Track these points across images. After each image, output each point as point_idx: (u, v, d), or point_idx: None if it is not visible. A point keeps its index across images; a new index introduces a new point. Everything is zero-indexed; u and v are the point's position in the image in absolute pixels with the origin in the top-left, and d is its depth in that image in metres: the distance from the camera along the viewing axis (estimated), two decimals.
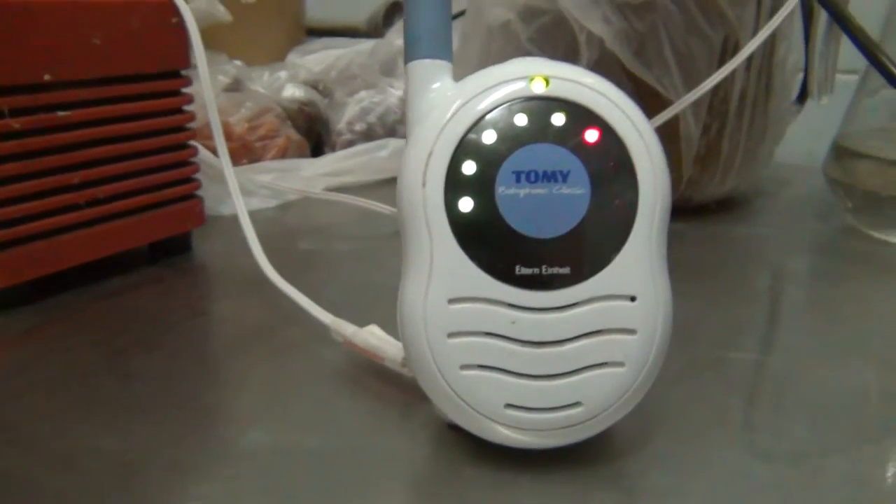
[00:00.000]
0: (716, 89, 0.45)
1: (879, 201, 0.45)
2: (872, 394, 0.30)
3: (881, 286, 0.41)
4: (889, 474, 0.25)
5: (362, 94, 0.62)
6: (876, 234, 0.46)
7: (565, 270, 0.22)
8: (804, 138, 0.53)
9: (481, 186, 0.22)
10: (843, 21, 0.38)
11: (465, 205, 0.22)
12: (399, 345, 0.26)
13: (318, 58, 0.70)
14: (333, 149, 0.61)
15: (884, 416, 0.28)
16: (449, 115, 0.23)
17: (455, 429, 0.25)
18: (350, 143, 0.60)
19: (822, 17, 0.44)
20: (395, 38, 0.67)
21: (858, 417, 0.28)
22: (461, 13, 0.56)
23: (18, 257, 0.34)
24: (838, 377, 0.31)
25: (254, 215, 0.37)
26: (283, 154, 0.57)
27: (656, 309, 0.23)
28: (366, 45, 0.69)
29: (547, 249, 0.22)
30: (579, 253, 0.22)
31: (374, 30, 0.81)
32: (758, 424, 0.28)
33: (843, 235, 0.48)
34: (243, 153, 0.55)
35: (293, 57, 0.73)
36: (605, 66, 0.45)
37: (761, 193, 0.56)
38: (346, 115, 0.61)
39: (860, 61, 0.40)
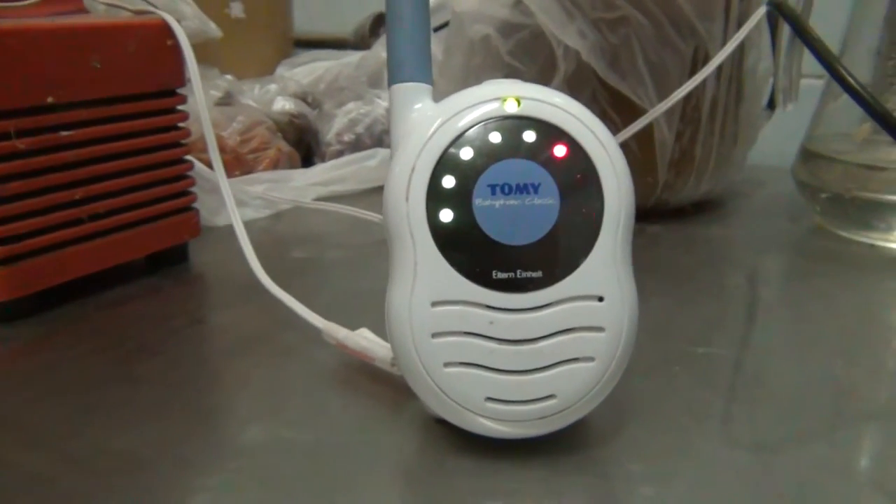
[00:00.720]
0: (688, 97, 0.47)
1: (844, 202, 0.47)
2: (838, 385, 0.32)
3: (847, 283, 0.43)
4: (860, 460, 0.27)
5: (350, 105, 0.64)
6: (843, 234, 0.48)
7: (538, 274, 0.24)
8: (777, 140, 0.56)
9: (460, 199, 0.24)
10: (802, 33, 0.40)
11: (446, 216, 0.24)
12: (388, 346, 0.28)
13: (307, 70, 0.72)
14: (323, 159, 0.62)
15: (848, 406, 0.30)
16: (429, 134, 0.25)
17: (441, 423, 0.27)
18: (339, 154, 0.62)
19: (786, 28, 0.46)
20: (381, 49, 0.69)
21: (824, 407, 0.30)
22: (444, 25, 0.58)
23: (26, 270, 0.36)
24: (805, 370, 0.33)
25: (247, 225, 0.39)
26: (275, 165, 0.59)
27: (622, 308, 0.25)
28: (353, 57, 0.71)
29: (521, 255, 0.24)
30: (551, 258, 0.24)
31: (361, 41, 0.83)
32: (727, 414, 0.30)
33: (812, 235, 0.50)
34: (236, 165, 0.57)
35: (282, 70, 0.75)
36: (581, 77, 0.47)
37: (735, 195, 0.58)
38: (335, 126, 0.63)
39: None
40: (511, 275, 0.24)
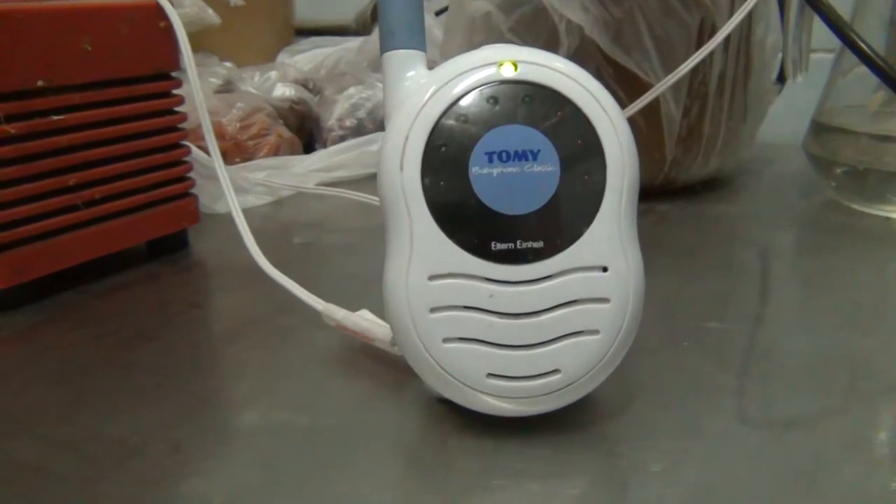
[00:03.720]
0: (695, 71, 0.46)
1: (858, 175, 0.46)
2: (853, 359, 0.30)
3: (861, 256, 0.42)
4: (878, 435, 0.26)
5: (351, 90, 0.63)
6: (856, 207, 0.47)
7: (539, 244, 0.23)
8: (788, 117, 0.54)
9: (456, 168, 0.23)
10: (813, 1, 0.39)
11: (442, 186, 0.23)
12: (388, 326, 0.27)
13: (308, 57, 0.71)
14: (325, 145, 0.62)
15: (864, 380, 0.29)
16: (423, 101, 0.24)
17: (443, 402, 0.26)
18: (341, 139, 0.61)
19: None
20: None
21: (838, 382, 0.29)
22: (445, 9, 0.57)
23: (20, 258, 0.35)
24: (819, 344, 0.32)
25: (249, 212, 0.38)
26: (276, 152, 0.58)
27: (628, 278, 0.24)
28: (354, 42, 0.70)
29: (520, 225, 0.23)
30: (552, 227, 0.23)
31: (363, 27, 0.82)
32: (738, 390, 0.29)
33: (825, 209, 0.49)
34: (236, 152, 0.56)
35: (283, 57, 0.74)
36: (585, 53, 0.46)
37: (745, 172, 0.57)
38: (336, 111, 0.62)
39: (836, 39, 0.41)
40: (511, 245, 0.23)
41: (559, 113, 0.23)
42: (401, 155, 0.23)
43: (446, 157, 0.23)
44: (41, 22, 0.35)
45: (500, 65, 0.24)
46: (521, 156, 0.23)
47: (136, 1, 0.40)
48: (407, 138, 0.23)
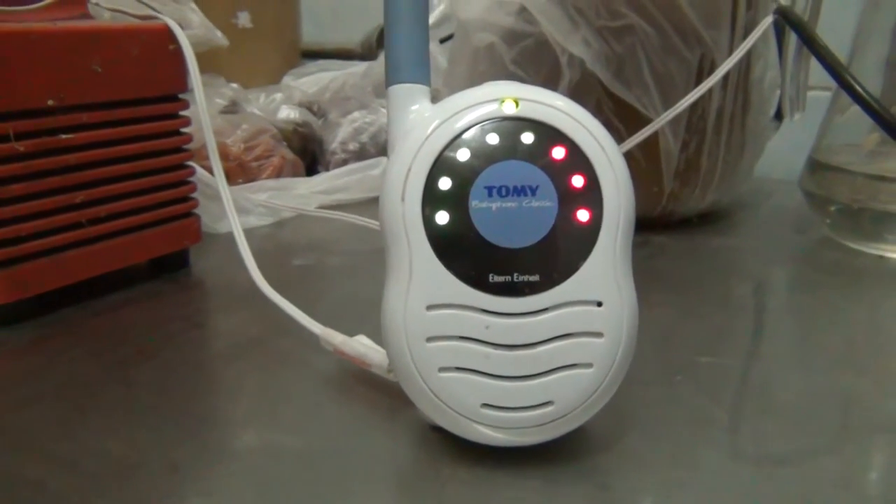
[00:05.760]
0: (693, 107, 0.47)
1: (853, 213, 0.47)
2: (845, 396, 0.31)
3: (855, 294, 0.42)
4: (868, 473, 0.26)
5: (355, 114, 0.64)
6: (852, 245, 0.48)
7: (535, 278, 0.24)
8: (785, 153, 0.55)
9: (456, 201, 0.24)
10: (810, 42, 0.40)
11: (442, 218, 0.24)
12: (385, 352, 0.28)
13: (313, 80, 0.72)
14: (327, 168, 0.62)
15: (856, 418, 0.29)
16: (426, 135, 0.24)
17: (437, 430, 0.26)
18: (344, 162, 0.62)
19: (793, 37, 0.46)
20: None
21: (831, 419, 0.29)
22: (450, 37, 0.58)
23: (24, 273, 0.36)
24: (812, 381, 0.32)
25: (250, 232, 0.39)
26: (279, 173, 0.58)
27: (621, 313, 0.24)
28: (359, 66, 0.71)
29: (518, 258, 0.24)
30: (548, 261, 0.24)
31: (368, 52, 0.83)
32: (731, 425, 0.29)
33: (821, 246, 0.50)
34: (240, 173, 0.57)
35: (288, 79, 0.75)
36: (586, 86, 0.47)
37: (743, 207, 0.58)
38: (340, 135, 0.63)
39: None
40: (508, 278, 0.24)
41: (558, 150, 0.24)
42: (403, 186, 0.24)
43: (447, 190, 0.24)
44: (53, 42, 0.36)
45: (502, 101, 0.24)
46: (520, 191, 0.24)
47: (146, 24, 0.40)
48: (409, 170, 0.24)
